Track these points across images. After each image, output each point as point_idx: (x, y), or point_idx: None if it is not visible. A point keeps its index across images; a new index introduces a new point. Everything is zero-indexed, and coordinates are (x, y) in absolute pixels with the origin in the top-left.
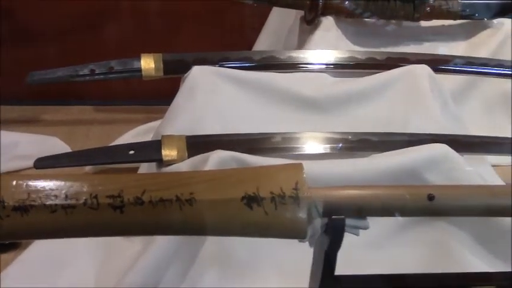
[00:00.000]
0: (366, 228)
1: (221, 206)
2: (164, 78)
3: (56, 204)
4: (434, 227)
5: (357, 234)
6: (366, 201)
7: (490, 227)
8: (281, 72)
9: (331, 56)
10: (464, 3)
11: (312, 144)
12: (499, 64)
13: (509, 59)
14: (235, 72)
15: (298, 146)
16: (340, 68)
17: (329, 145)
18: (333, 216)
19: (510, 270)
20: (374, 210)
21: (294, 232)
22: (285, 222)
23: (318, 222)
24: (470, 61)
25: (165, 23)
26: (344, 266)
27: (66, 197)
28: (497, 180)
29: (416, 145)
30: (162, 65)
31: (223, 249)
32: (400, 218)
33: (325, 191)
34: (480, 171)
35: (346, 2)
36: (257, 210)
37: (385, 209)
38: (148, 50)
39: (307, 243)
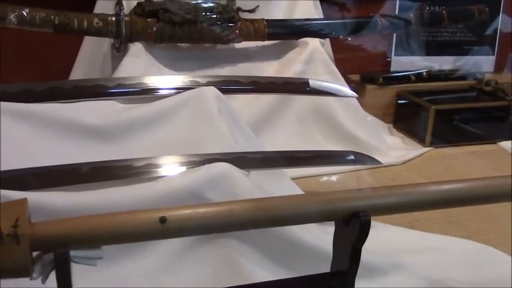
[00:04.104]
0: (99, 258)
1: None
2: None
3: None
4: (219, 244)
5: (94, 265)
6: (91, 231)
7: (272, 239)
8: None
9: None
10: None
11: (96, 174)
12: (287, 82)
13: (315, 74)
14: (13, 106)
15: (83, 177)
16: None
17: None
18: (57, 250)
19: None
20: (102, 239)
21: (17, 272)
22: (4, 262)
23: (48, 258)
24: (254, 80)
25: None
26: None
27: None
28: (296, 192)
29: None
30: None
31: None
32: (183, 239)
33: (50, 225)
34: (276, 186)
35: (154, 28)
36: None
37: (116, 236)
38: None
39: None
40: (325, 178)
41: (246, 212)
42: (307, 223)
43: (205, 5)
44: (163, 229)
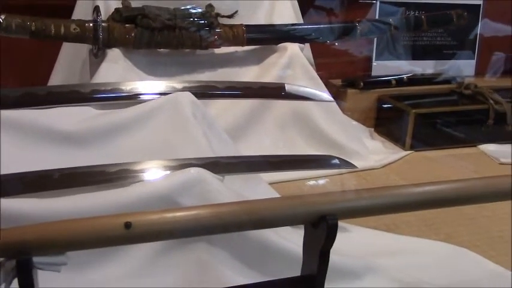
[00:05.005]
0: (63, 264)
1: None
2: None
3: None
4: (193, 248)
5: (58, 271)
6: (53, 237)
7: (245, 242)
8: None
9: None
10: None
11: (68, 180)
12: (263, 87)
13: (295, 79)
14: None
15: (55, 183)
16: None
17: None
18: (19, 257)
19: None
20: (64, 245)
21: None
22: None
23: (10, 264)
24: (231, 85)
25: None
26: None
27: None
28: (273, 195)
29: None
30: None
31: None
32: (159, 242)
33: (11, 232)
34: (252, 190)
35: (132, 34)
36: None
37: (79, 242)
38: None
39: None
40: (303, 182)
41: (212, 216)
42: (274, 227)
43: (184, 11)
44: (129, 234)
